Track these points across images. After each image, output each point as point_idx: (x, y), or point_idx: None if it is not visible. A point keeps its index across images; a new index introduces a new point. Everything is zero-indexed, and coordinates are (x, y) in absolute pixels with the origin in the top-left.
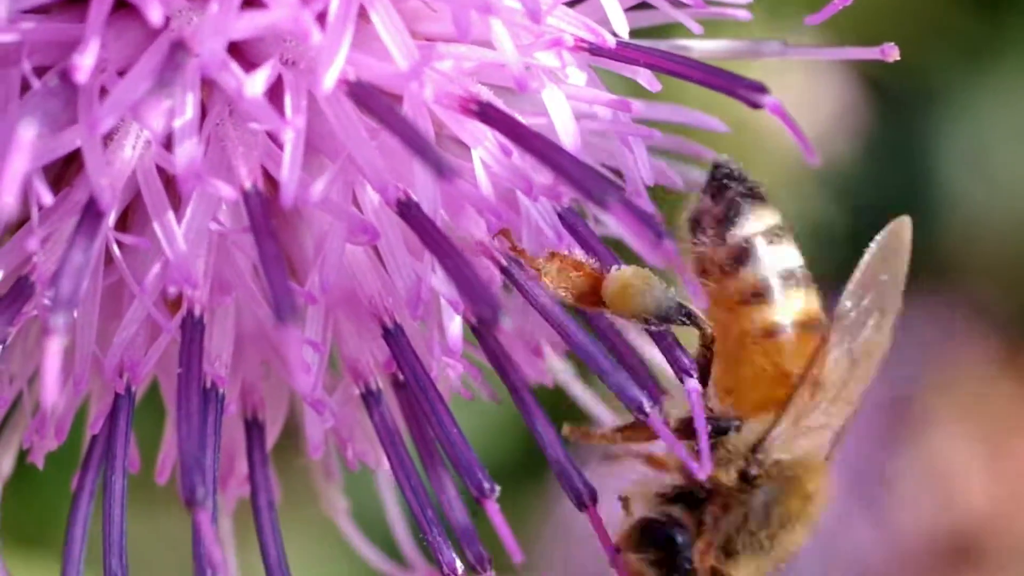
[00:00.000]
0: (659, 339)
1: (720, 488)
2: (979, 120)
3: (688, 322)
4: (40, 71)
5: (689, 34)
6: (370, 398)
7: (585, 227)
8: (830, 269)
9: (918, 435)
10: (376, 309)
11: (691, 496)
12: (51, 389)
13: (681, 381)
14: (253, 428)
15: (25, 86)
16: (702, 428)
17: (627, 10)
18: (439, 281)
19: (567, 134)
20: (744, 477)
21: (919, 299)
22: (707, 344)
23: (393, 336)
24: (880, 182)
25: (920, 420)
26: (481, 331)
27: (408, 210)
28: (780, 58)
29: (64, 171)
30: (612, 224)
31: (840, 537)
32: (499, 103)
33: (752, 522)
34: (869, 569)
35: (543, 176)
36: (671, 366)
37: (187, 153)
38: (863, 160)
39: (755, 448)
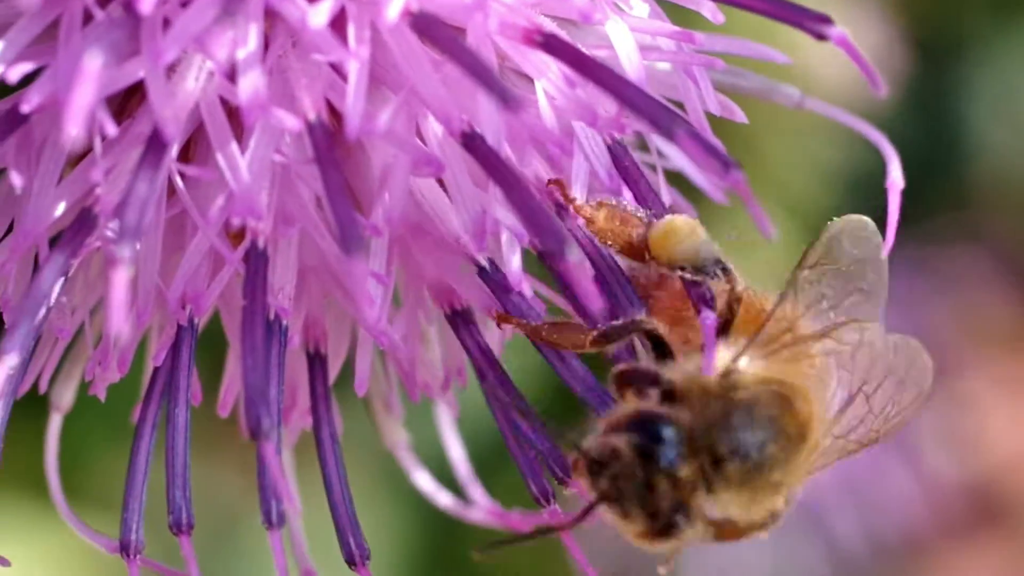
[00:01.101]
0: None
1: (706, 388)
2: (1008, 70)
3: (722, 276)
4: (102, 2)
5: None
6: (457, 318)
7: (632, 162)
8: (876, 217)
9: (948, 382)
10: (466, 248)
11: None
12: (117, 318)
13: (698, 312)
14: (316, 361)
15: (87, 17)
16: (711, 347)
17: None
18: (503, 213)
19: (632, 66)
20: (726, 374)
21: (948, 245)
22: (733, 301)
23: (489, 274)
24: (910, 131)
25: (950, 367)
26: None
27: (472, 141)
28: None
29: (126, 103)
30: (676, 157)
31: (874, 486)
32: (563, 34)
33: (736, 420)
34: (903, 518)
35: (606, 108)
36: (691, 296)
37: (251, 84)
38: (895, 109)
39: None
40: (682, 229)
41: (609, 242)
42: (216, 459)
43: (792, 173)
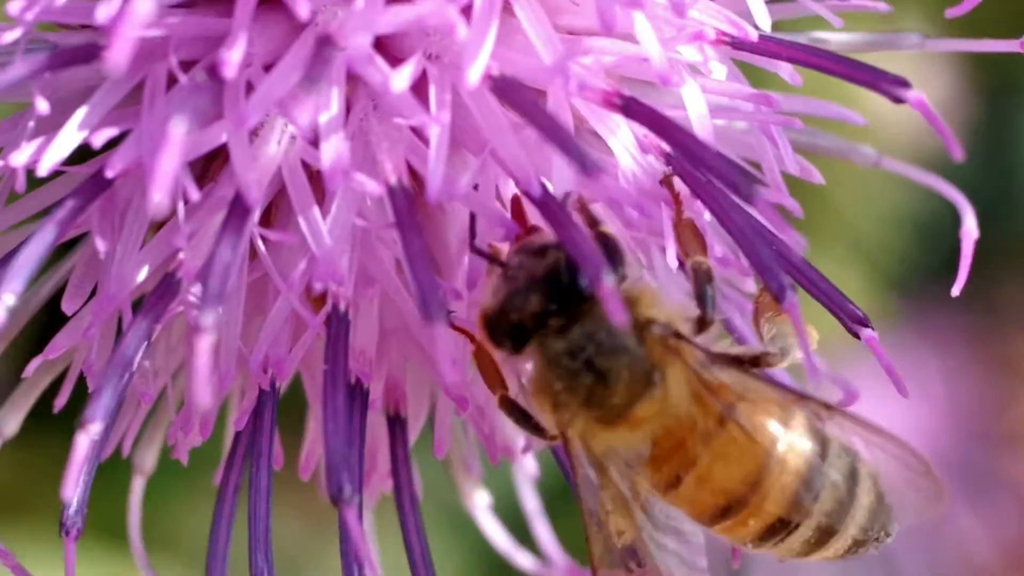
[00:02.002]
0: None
1: None
2: None
3: None
4: (185, 65)
5: (826, 25)
6: None
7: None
8: (936, 260)
9: (1020, 432)
10: None
11: None
12: (202, 388)
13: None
14: (396, 424)
15: (170, 79)
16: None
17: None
18: None
19: (702, 128)
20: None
21: (1014, 295)
22: None
23: None
24: (974, 178)
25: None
26: None
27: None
28: (918, 50)
29: (208, 165)
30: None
31: (945, 531)
32: (641, 97)
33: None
34: (974, 563)
35: None
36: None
37: (333, 148)
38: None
39: None
40: None
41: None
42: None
43: (860, 216)
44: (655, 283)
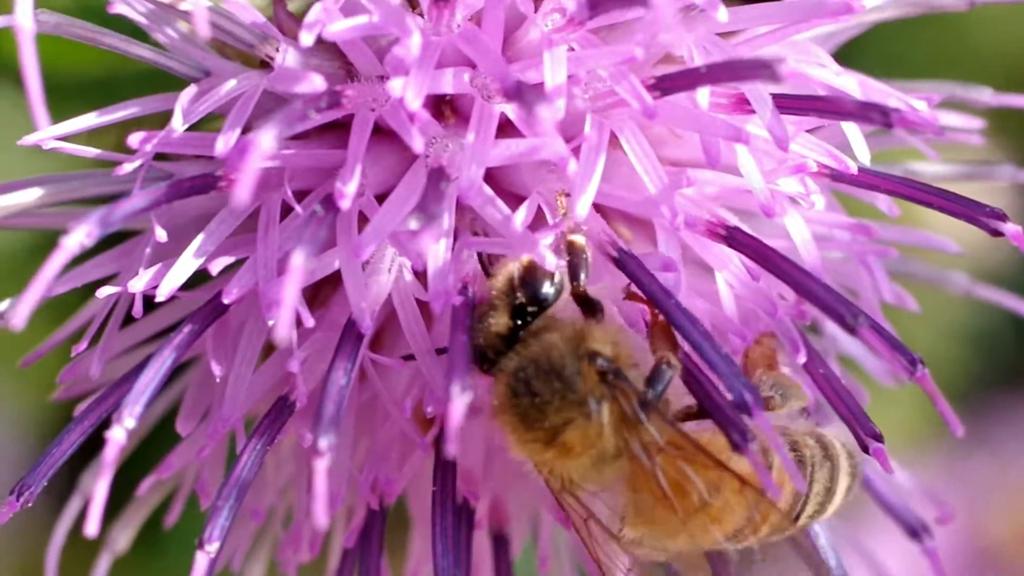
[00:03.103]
0: None
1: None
2: None
3: None
4: (298, 195)
5: (920, 156)
6: None
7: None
8: (995, 371)
9: None
10: None
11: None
12: (322, 509)
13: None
14: (500, 542)
15: (283, 207)
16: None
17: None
18: None
19: (809, 258)
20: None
21: None
22: None
23: None
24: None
25: None
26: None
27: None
28: (1012, 182)
29: (317, 290)
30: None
31: None
32: (746, 228)
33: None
34: None
35: (785, 296)
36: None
37: (442, 277)
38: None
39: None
40: None
41: None
42: None
43: (918, 327)
44: None
